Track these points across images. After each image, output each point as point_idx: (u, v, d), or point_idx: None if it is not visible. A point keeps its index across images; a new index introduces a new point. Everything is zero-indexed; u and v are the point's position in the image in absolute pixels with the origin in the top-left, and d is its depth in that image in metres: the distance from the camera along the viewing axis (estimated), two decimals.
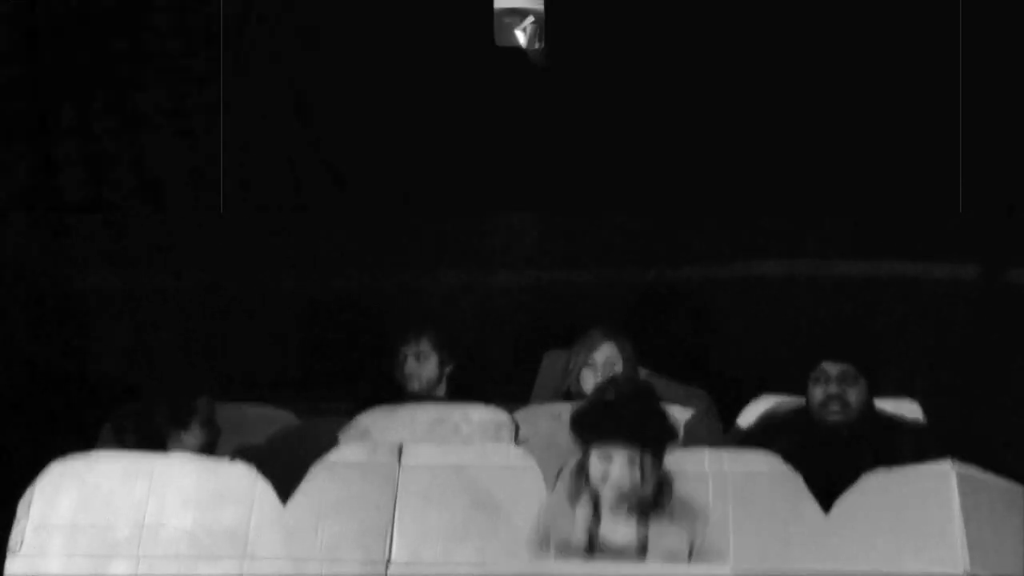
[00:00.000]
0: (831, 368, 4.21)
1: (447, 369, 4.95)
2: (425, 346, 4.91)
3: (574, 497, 3.67)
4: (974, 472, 3.91)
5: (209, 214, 5.48)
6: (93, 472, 4.13)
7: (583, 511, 3.64)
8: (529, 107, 5.33)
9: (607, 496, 3.61)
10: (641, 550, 3.59)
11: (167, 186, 5.49)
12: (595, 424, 3.67)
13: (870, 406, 4.33)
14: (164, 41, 5.43)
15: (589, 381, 4.63)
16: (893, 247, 5.69)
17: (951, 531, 3.82)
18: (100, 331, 5.66)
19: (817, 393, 4.23)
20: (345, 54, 5.39)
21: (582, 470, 3.67)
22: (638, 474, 3.59)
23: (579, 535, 3.62)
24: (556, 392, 4.93)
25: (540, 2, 5.18)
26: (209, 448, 4.38)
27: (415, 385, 4.88)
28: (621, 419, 3.68)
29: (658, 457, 3.64)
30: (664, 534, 3.59)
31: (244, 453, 4.24)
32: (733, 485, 3.96)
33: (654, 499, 3.63)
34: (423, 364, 4.89)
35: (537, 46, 5.18)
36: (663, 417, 3.69)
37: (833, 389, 4.19)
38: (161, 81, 5.44)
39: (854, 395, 4.21)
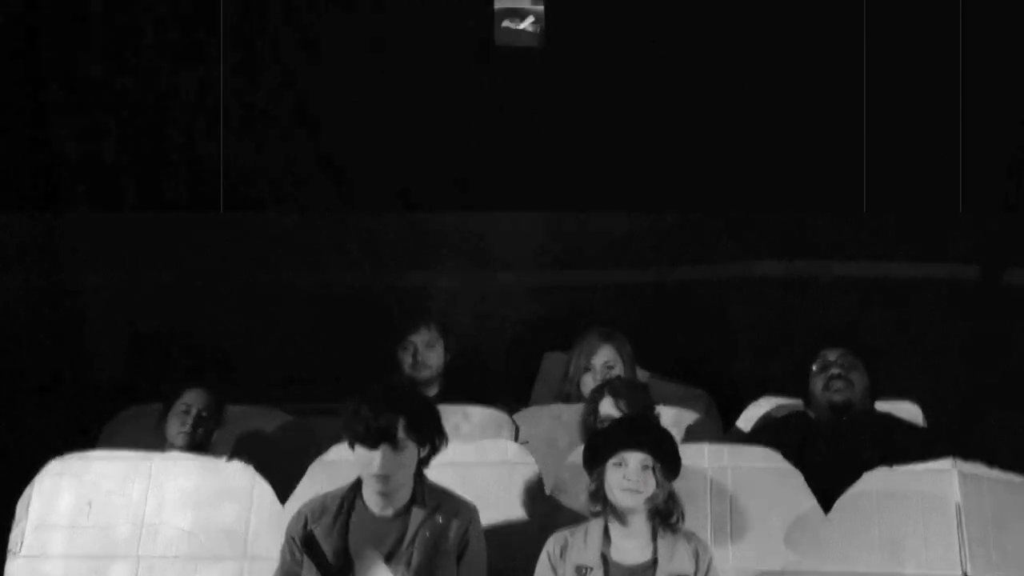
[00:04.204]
0: (831, 353, 4.34)
1: (447, 357, 4.99)
2: (433, 334, 4.96)
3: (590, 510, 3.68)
4: (975, 471, 3.90)
5: (209, 214, 5.47)
6: (93, 472, 4.13)
7: (596, 530, 3.62)
8: (529, 106, 5.33)
9: (621, 497, 3.58)
10: (652, 565, 3.58)
11: (167, 186, 5.48)
12: (608, 438, 3.67)
13: (871, 401, 4.34)
14: (164, 42, 5.43)
15: (589, 385, 4.63)
16: (893, 247, 5.68)
17: (951, 531, 3.82)
18: (99, 331, 5.66)
19: (819, 380, 4.32)
20: (345, 54, 5.39)
21: (598, 490, 3.64)
22: (652, 480, 3.58)
23: (592, 554, 3.59)
24: (556, 394, 4.93)
25: (540, 2, 5.18)
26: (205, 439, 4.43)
27: (425, 373, 4.92)
28: (633, 429, 3.70)
29: (669, 470, 3.62)
30: (674, 552, 3.57)
31: (249, 438, 4.25)
32: (733, 482, 3.96)
33: (665, 509, 3.61)
34: (431, 352, 4.94)
35: (537, 46, 5.18)
36: (672, 440, 3.69)
37: (835, 371, 4.30)
38: (161, 82, 5.44)
39: (856, 377, 4.31)
